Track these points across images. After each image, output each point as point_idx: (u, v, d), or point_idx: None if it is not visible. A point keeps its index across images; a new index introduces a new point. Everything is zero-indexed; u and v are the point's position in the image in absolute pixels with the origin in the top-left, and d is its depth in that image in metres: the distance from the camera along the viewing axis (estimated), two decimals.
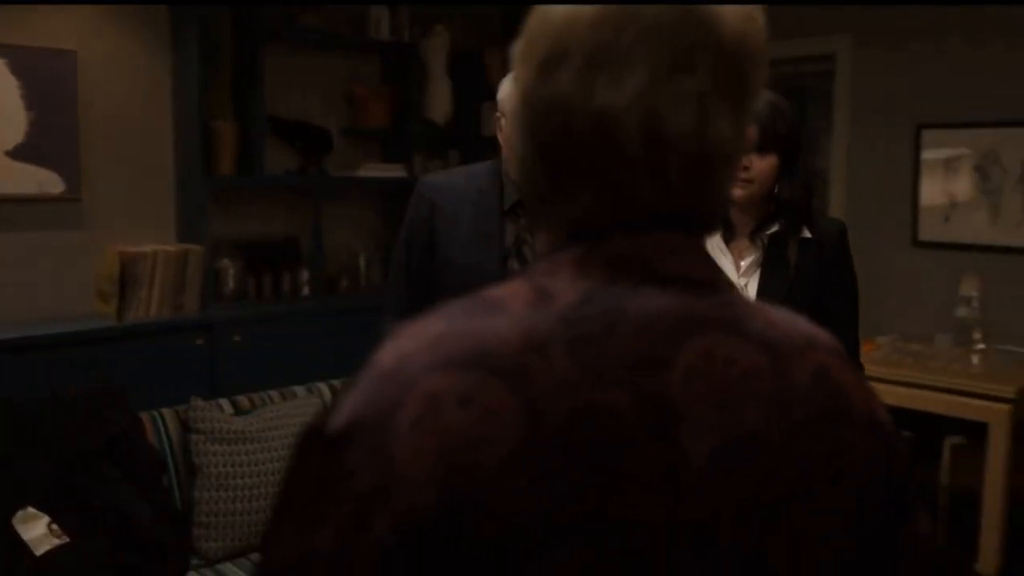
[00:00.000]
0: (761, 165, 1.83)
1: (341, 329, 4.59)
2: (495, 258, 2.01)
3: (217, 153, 4.19)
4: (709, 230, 0.70)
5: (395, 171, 5.01)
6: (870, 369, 3.04)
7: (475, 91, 5.37)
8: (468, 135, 5.40)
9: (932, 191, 4.16)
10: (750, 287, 1.85)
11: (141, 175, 4.12)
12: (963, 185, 4.05)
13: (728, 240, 1.90)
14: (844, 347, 1.65)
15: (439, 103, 5.19)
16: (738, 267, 1.87)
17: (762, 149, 1.82)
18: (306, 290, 4.64)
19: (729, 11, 0.65)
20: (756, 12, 0.68)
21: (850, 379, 0.71)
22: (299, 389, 2.96)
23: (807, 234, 1.87)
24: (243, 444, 2.56)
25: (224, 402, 2.75)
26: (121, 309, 3.54)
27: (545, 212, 0.71)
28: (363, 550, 0.56)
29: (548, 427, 0.57)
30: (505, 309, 0.63)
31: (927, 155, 4.12)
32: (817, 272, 1.85)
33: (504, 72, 6.42)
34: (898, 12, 4.31)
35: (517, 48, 0.70)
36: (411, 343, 0.62)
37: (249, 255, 4.51)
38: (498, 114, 2.01)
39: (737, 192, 1.84)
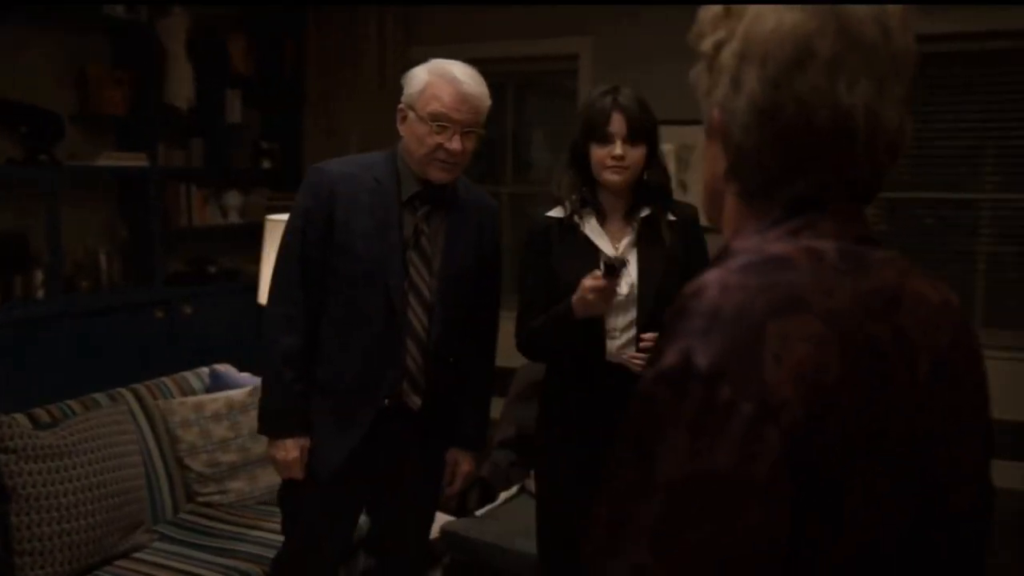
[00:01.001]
0: (633, 154, 2.02)
1: (87, 332, 4.19)
2: (396, 248, 2.01)
3: None
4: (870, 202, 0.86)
5: (135, 160, 4.62)
6: None
7: (218, 76, 5.11)
8: (213, 122, 5.12)
9: None
10: (631, 264, 2.04)
11: None
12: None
13: (602, 223, 2.08)
14: None
15: (180, 88, 4.87)
16: (616, 247, 2.06)
17: (634, 140, 2.02)
18: (41, 292, 4.16)
19: (909, 31, 0.81)
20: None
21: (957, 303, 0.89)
22: (100, 397, 2.70)
23: (672, 217, 2.10)
24: (58, 460, 2.30)
25: (20, 416, 2.44)
26: None
27: (768, 191, 0.82)
28: (759, 461, 0.66)
29: (852, 354, 0.72)
30: (795, 266, 0.75)
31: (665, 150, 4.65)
32: (683, 250, 2.09)
33: (250, 57, 6.12)
34: (633, 16, 4.81)
35: (732, 48, 0.81)
36: (738, 295, 0.72)
37: None
38: (401, 105, 2.02)
39: (615, 178, 2.02)
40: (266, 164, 5.60)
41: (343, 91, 5.57)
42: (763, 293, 0.72)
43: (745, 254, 0.78)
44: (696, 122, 0.93)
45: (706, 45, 0.85)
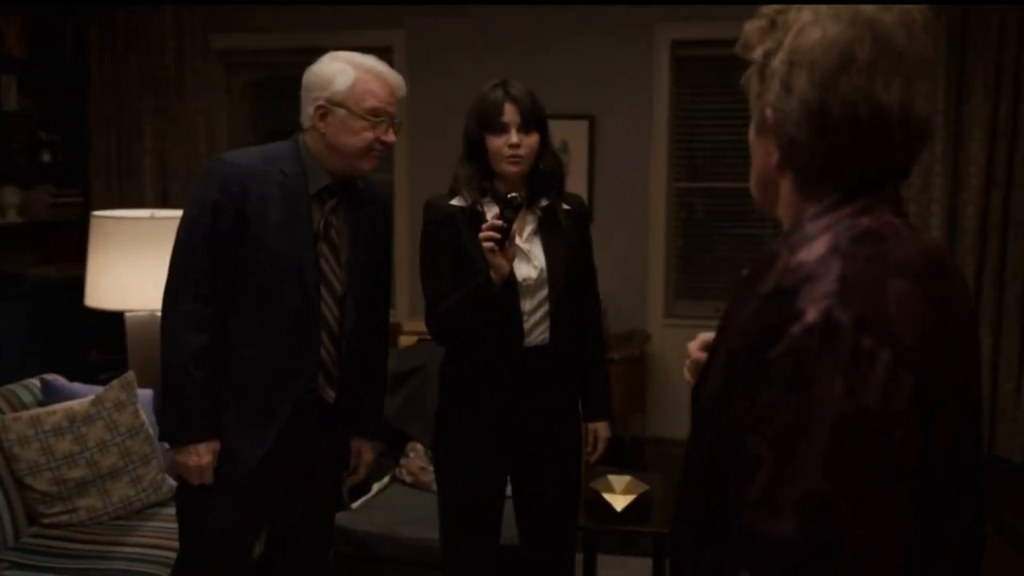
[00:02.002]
0: (529, 142, 2.10)
1: None
2: (307, 241, 1.97)
3: None
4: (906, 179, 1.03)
5: None
6: None
7: None
8: None
9: None
10: (535, 251, 2.13)
11: None
12: None
13: None
14: (597, 299, 2.09)
15: None
16: (520, 234, 2.13)
17: (527, 129, 2.10)
18: None
19: (929, 33, 0.97)
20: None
21: None
22: None
23: (566, 206, 2.21)
24: None
25: None
26: None
27: (821, 178, 0.96)
28: (899, 395, 0.82)
29: (934, 309, 0.89)
30: (885, 237, 0.91)
31: None
32: (577, 237, 2.21)
33: (25, 40, 5.64)
34: (448, 12, 4.89)
35: (782, 57, 0.94)
36: (859, 262, 0.87)
37: None
38: (323, 102, 1.96)
39: (514, 169, 2.09)
40: (46, 157, 5.11)
41: (133, 78, 5.20)
42: (874, 260, 0.87)
43: (834, 229, 0.91)
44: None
45: (756, 54, 0.99)
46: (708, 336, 1.22)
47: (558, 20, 4.86)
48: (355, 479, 2.25)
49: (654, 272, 5.01)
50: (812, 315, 0.83)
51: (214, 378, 1.94)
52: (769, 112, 0.97)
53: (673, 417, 4.99)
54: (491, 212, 2.11)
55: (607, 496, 2.65)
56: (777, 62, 0.95)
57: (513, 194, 1.98)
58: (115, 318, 3.47)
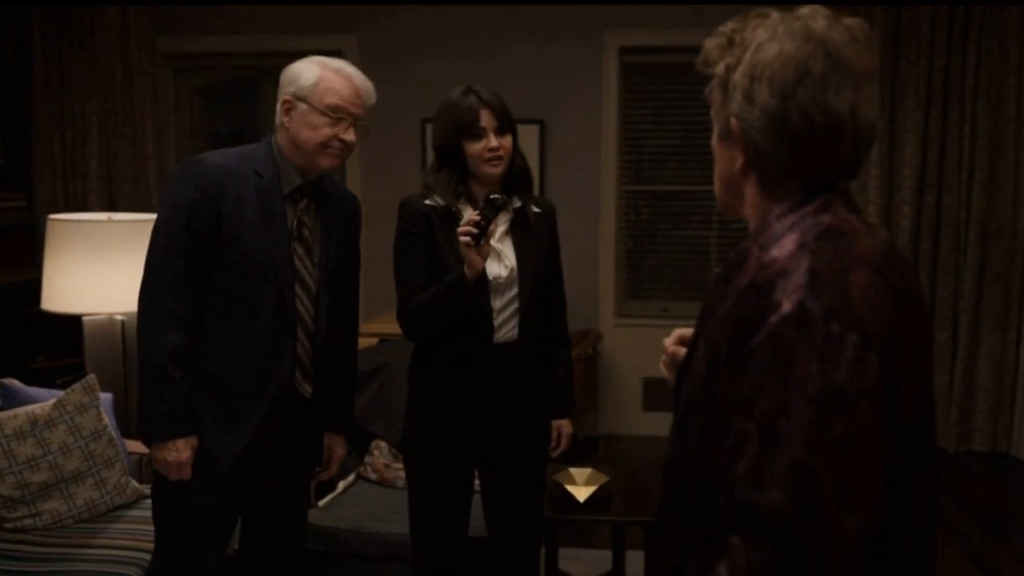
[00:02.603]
0: (505, 144, 2.17)
1: None
2: (282, 240, 2.01)
3: None
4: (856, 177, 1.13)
5: None
6: None
7: None
8: None
9: None
10: (506, 251, 2.19)
11: None
12: None
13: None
14: (563, 299, 2.18)
15: None
16: (494, 234, 2.19)
17: (503, 131, 2.17)
18: None
19: (872, 43, 1.08)
20: None
21: None
22: None
23: (536, 209, 2.28)
24: None
25: None
26: None
27: (783, 179, 1.07)
28: (867, 374, 0.92)
29: (893, 297, 0.99)
30: (844, 233, 1.02)
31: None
32: (547, 239, 2.28)
33: None
34: (400, 17, 4.94)
35: (743, 71, 1.05)
36: (826, 256, 0.97)
37: None
38: (288, 97, 2.01)
39: (495, 170, 2.16)
40: None
41: (78, 80, 5.13)
42: (839, 254, 0.98)
43: (800, 227, 1.02)
44: None
45: (718, 69, 1.09)
46: (683, 332, 1.31)
47: (509, 26, 4.94)
48: (327, 474, 2.29)
49: (604, 273, 5.12)
50: (787, 306, 0.93)
51: (191, 376, 1.97)
52: (734, 121, 1.07)
53: (624, 414, 5.11)
54: (468, 211, 2.18)
55: (570, 488, 2.73)
56: (739, 75, 1.06)
57: (495, 195, 2.05)
58: (61, 324, 3.44)
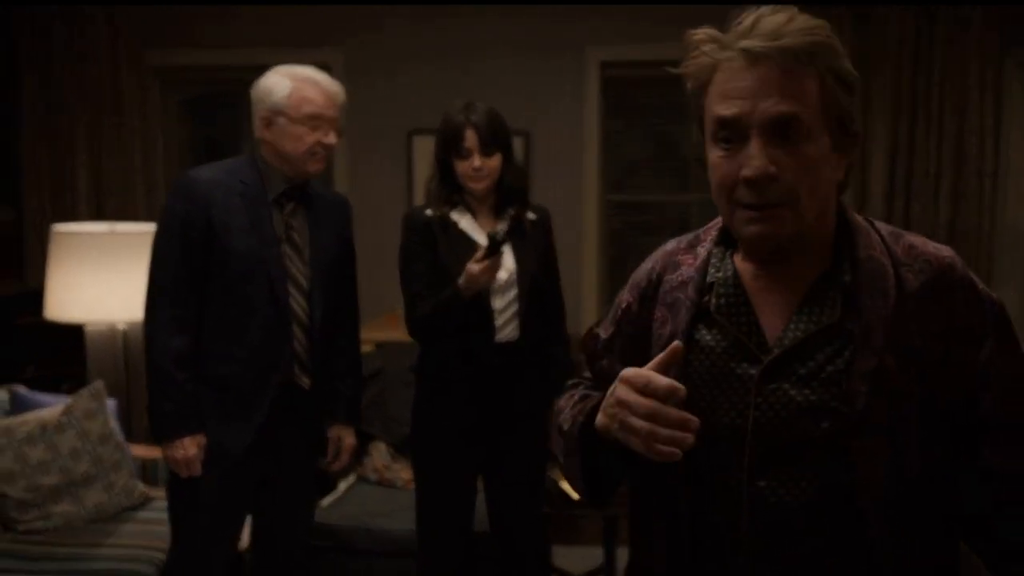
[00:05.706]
0: (490, 164, 2.29)
1: None
2: (271, 242, 2.15)
3: None
4: None
5: None
6: None
7: None
8: None
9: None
10: (507, 258, 2.31)
11: None
12: None
13: (475, 220, 2.34)
14: (561, 300, 2.38)
15: None
16: (499, 266, 2.30)
17: (488, 152, 2.29)
18: None
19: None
20: None
21: None
22: None
23: (532, 215, 2.41)
24: None
25: None
26: None
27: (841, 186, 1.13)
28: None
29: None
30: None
31: (418, 156, 4.93)
32: (543, 244, 2.41)
33: None
34: (386, 31, 5.05)
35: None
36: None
37: None
38: (265, 112, 2.14)
39: (478, 187, 2.30)
40: None
41: (67, 93, 5.17)
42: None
43: (874, 225, 1.13)
44: None
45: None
46: (647, 374, 0.99)
47: (494, 40, 5.07)
48: (339, 465, 2.40)
49: (587, 282, 5.24)
50: (991, 293, 1.07)
51: (198, 375, 2.10)
52: (856, 126, 1.02)
53: None
54: (463, 218, 2.30)
55: (563, 484, 2.84)
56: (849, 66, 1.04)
57: (494, 231, 2.18)
58: (51, 334, 3.50)
